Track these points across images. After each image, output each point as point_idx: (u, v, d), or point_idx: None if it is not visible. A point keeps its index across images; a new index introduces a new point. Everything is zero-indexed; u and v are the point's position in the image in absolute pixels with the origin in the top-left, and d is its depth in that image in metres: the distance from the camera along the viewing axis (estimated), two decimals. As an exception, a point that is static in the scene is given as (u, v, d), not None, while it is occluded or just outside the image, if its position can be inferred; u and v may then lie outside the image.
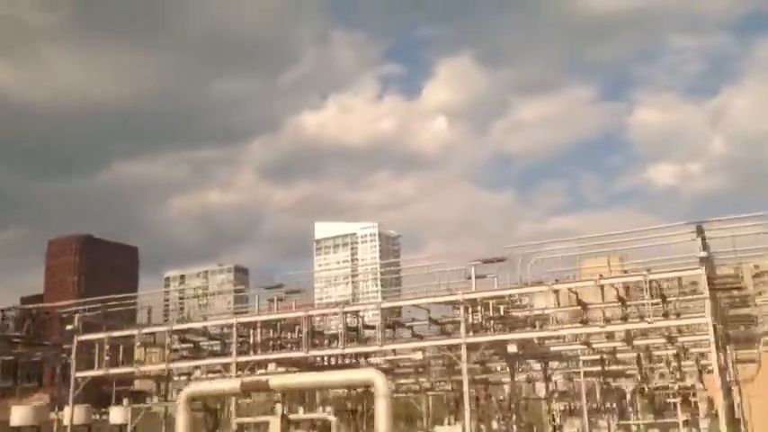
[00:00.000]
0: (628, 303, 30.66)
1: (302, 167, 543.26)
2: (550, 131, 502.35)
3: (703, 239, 27.62)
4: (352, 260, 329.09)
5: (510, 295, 33.61)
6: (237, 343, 37.25)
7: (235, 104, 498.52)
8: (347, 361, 39.49)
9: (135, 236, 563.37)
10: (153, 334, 41.13)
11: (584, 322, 31.46)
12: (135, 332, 40.03)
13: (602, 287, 30.25)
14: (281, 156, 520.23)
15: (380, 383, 18.75)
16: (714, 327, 27.35)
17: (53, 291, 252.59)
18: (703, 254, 26.96)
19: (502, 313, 34.29)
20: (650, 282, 28.71)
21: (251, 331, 37.85)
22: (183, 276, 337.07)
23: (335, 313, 35.25)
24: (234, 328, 36.46)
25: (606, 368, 45.99)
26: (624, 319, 30.63)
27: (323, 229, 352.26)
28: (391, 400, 19.18)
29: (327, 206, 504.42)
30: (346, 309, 33.03)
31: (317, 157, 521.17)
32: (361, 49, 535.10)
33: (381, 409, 18.34)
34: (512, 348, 32.03)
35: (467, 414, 31.58)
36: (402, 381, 49.89)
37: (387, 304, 34.75)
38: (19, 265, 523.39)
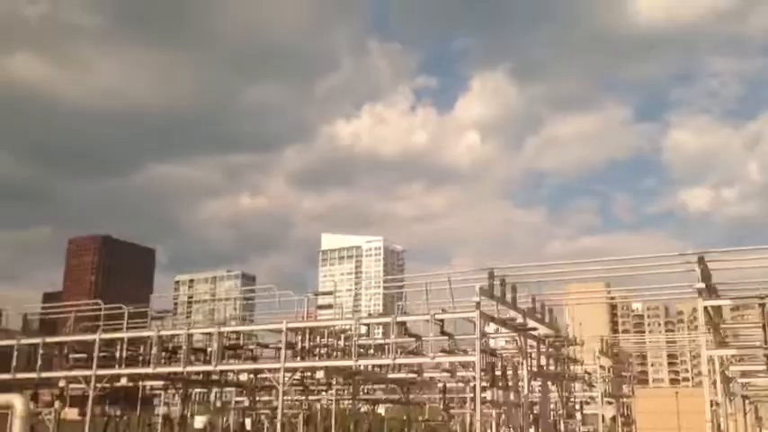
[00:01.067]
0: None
1: (334, 176, 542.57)
2: (584, 149, 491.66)
3: (703, 270, 26.81)
4: (356, 272, 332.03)
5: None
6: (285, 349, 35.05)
7: (269, 111, 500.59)
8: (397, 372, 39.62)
9: (165, 237, 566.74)
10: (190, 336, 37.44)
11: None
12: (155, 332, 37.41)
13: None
14: (313, 164, 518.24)
15: (19, 406, 19.74)
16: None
17: (71, 289, 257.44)
18: (700, 285, 26.26)
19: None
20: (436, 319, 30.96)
21: (298, 337, 36.54)
22: (192, 281, 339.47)
23: (387, 323, 34.45)
24: (284, 333, 34.64)
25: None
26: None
27: (329, 241, 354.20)
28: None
29: (357, 216, 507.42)
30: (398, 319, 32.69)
31: (349, 166, 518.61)
32: (397, 60, 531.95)
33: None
34: (319, 374, 35.49)
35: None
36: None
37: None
38: (48, 261, 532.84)
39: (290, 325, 35.11)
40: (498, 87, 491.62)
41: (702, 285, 26.41)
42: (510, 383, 32.13)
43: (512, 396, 32.24)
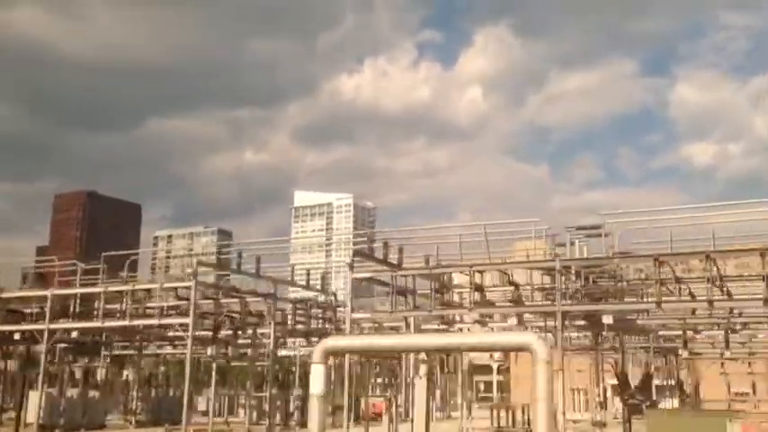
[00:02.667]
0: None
1: (337, 131, 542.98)
2: (588, 104, 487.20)
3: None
4: (327, 229, 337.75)
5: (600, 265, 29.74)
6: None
7: (272, 65, 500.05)
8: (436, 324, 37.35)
9: (169, 191, 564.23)
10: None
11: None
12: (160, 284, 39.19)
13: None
14: (316, 119, 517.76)
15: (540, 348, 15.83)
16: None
17: (57, 244, 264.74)
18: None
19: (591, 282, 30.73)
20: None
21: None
22: (170, 236, 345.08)
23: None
24: (49, 299, 38.14)
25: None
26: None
27: (301, 198, 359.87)
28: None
29: (360, 170, 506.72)
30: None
31: (351, 121, 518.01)
32: (400, 15, 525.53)
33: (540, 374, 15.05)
34: (607, 319, 28.46)
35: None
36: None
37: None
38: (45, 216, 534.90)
39: (56, 292, 39.26)
40: (501, 43, 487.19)
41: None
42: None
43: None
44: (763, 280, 23.96)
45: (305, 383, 37.24)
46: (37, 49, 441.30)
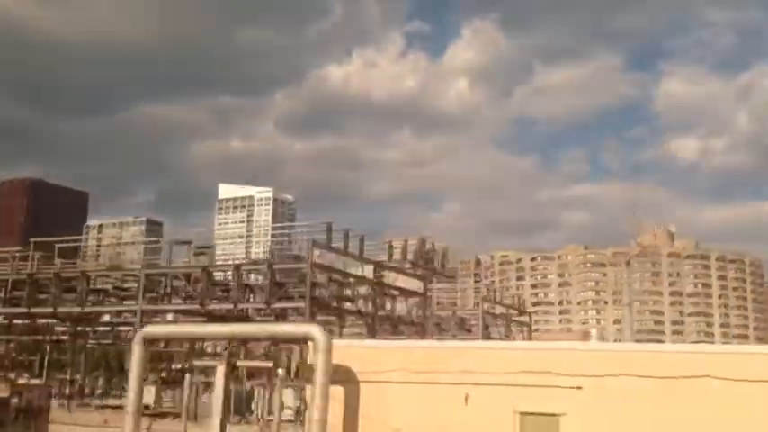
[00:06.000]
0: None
1: (324, 121, 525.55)
2: (574, 98, 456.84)
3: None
4: (248, 221, 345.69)
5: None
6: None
7: (259, 54, 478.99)
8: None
9: (153, 177, 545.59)
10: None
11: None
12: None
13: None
14: (303, 108, 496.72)
15: (320, 338, 19.38)
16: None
17: (1, 230, 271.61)
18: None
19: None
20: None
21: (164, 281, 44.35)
22: (101, 226, 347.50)
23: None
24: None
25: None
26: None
27: (226, 191, 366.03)
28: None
29: (347, 161, 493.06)
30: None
31: (339, 111, 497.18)
32: (388, 5, 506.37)
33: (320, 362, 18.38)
34: None
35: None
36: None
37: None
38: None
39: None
40: (489, 35, 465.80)
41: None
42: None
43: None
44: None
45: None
46: (21, 32, 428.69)
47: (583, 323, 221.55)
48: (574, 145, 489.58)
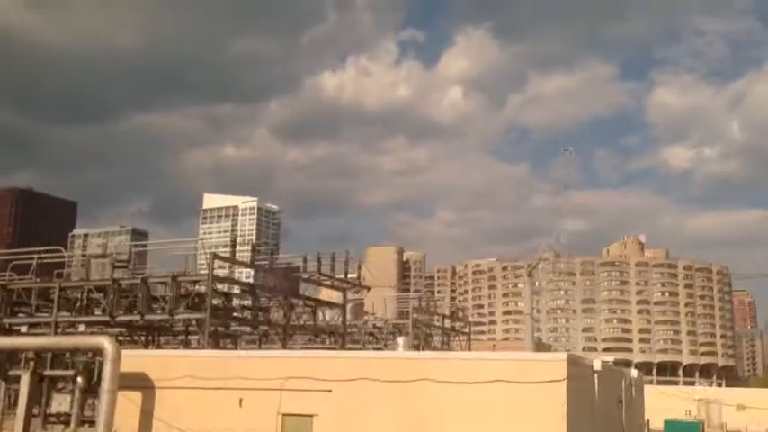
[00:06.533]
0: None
1: (318, 129, 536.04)
2: (567, 107, 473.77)
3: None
4: (232, 230, 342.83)
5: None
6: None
7: (254, 62, 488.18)
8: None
9: (149, 185, 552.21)
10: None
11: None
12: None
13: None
14: (298, 116, 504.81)
15: (109, 348, 21.44)
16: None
17: None
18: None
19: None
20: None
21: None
22: (86, 235, 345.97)
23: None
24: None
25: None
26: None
27: (210, 200, 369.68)
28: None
29: (341, 168, 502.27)
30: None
31: (333, 119, 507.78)
32: (382, 13, 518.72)
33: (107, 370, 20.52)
34: None
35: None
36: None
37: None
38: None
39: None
40: (482, 44, 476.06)
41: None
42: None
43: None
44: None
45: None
46: (12, 39, 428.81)
47: (552, 331, 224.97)
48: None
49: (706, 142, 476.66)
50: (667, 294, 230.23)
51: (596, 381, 21.44)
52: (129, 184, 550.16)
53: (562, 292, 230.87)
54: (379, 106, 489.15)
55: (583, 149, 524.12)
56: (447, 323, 75.97)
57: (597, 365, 21.47)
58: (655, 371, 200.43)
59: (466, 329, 79.72)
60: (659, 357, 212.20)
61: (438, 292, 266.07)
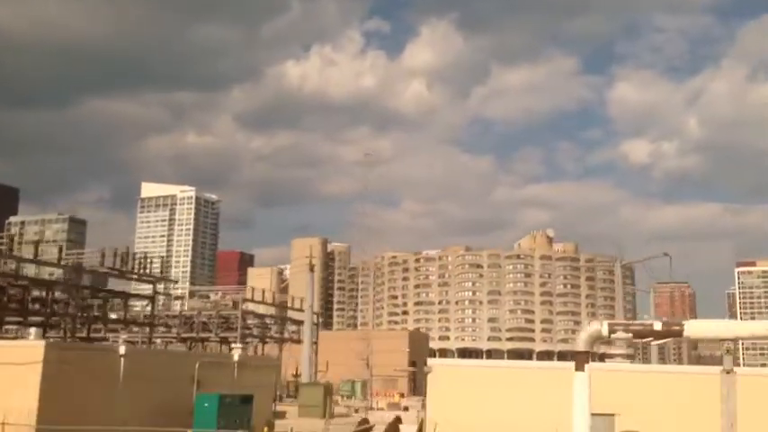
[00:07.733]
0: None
1: (281, 118, 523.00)
2: (530, 100, 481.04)
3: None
4: (170, 220, 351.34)
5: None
6: None
7: (216, 51, 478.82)
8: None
9: (108, 173, 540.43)
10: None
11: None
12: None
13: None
14: (260, 104, 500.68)
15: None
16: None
17: None
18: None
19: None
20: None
21: None
22: (23, 222, 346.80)
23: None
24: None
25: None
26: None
27: (148, 189, 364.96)
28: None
29: (304, 158, 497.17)
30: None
31: (296, 108, 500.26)
32: (347, 2, 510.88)
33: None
34: None
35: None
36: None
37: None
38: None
39: None
40: (446, 36, 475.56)
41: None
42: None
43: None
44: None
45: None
46: None
47: (459, 322, 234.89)
48: (529, 145, 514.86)
49: (665, 137, 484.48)
50: (569, 286, 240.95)
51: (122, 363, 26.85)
52: (89, 172, 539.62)
53: (470, 284, 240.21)
54: (344, 96, 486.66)
55: (545, 142, 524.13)
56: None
57: (122, 350, 27.41)
58: (555, 359, 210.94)
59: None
60: (560, 347, 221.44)
61: (361, 282, 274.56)
